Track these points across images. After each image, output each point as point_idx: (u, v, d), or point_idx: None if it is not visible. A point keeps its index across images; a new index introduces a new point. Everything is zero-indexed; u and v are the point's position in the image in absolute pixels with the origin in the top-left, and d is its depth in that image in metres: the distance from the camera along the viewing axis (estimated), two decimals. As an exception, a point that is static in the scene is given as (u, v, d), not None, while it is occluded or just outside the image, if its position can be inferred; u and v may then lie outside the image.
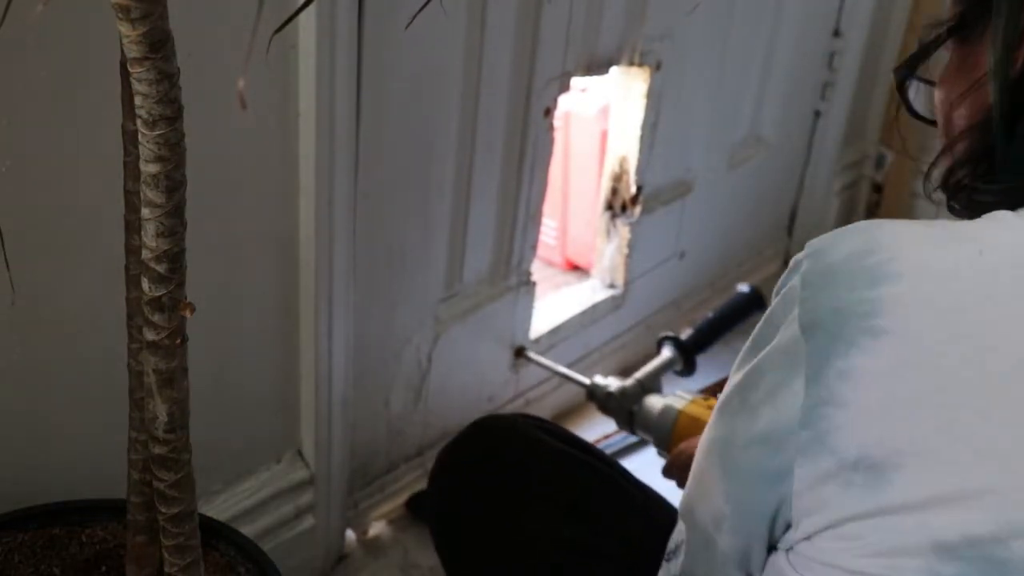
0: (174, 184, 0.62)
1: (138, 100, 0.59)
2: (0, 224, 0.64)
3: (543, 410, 1.71)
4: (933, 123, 0.74)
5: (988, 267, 0.59)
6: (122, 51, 0.60)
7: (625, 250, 1.74)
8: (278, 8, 0.81)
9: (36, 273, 0.90)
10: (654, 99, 1.62)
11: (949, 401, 0.57)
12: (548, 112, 1.41)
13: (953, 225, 0.62)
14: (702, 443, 0.72)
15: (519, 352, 1.59)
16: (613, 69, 1.54)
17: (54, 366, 0.97)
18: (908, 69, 0.74)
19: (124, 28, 0.56)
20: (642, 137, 1.64)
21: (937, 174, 0.70)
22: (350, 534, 1.42)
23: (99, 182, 0.86)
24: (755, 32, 1.81)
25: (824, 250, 0.63)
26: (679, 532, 0.77)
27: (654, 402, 1.33)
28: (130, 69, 0.58)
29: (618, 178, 1.71)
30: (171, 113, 0.60)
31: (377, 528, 1.46)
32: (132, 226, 0.71)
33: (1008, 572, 0.55)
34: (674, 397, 1.29)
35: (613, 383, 1.43)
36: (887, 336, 0.58)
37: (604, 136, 1.79)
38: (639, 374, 1.43)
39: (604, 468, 1.01)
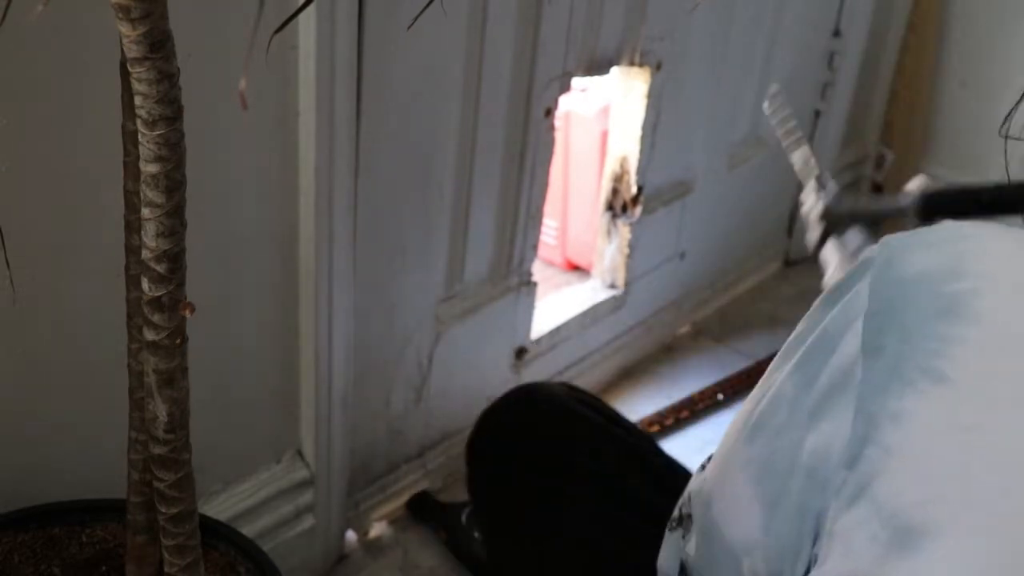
0: (174, 184, 0.62)
1: (138, 100, 0.59)
2: (0, 224, 0.64)
3: (543, 410, 1.71)
4: None
5: None
6: (122, 51, 0.60)
7: (626, 250, 1.74)
8: (278, 8, 0.81)
9: (36, 273, 0.90)
10: (654, 99, 1.62)
11: (1001, 481, 0.48)
12: (549, 112, 1.41)
13: None
14: (733, 456, 0.65)
15: (519, 353, 1.59)
16: (613, 69, 1.54)
17: (54, 366, 0.97)
18: None
19: (124, 28, 0.56)
20: (642, 137, 1.64)
21: None
22: (350, 534, 1.42)
23: (99, 182, 0.86)
24: (755, 32, 1.81)
25: (900, 257, 0.54)
26: (690, 508, 0.71)
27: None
28: (130, 69, 0.58)
29: (619, 178, 1.71)
30: (171, 113, 0.60)
31: (377, 528, 1.46)
32: (132, 226, 0.71)
33: None
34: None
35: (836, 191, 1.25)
36: (949, 385, 0.50)
37: (604, 136, 1.79)
38: (869, 204, 1.29)
39: (642, 445, 1.01)
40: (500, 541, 1.03)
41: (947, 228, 0.55)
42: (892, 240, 0.56)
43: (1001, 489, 0.48)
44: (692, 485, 0.72)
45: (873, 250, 0.56)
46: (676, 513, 0.75)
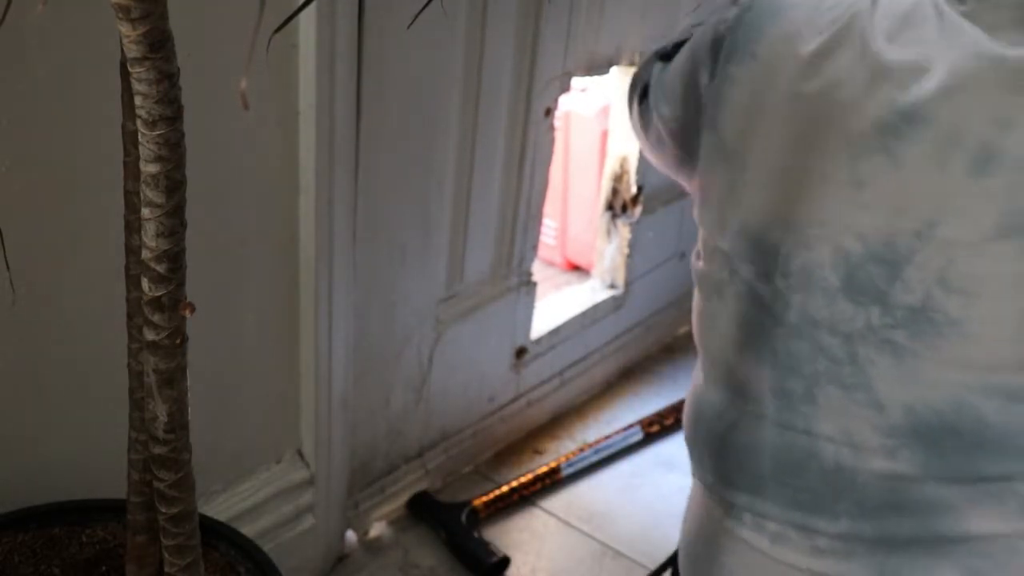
0: (174, 184, 0.62)
1: (138, 100, 0.59)
2: (0, 224, 0.64)
3: (543, 410, 1.71)
4: None
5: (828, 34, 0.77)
6: (122, 51, 0.60)
7: (625, 250, 1.74)
8: (278, 8, 0.81)
9: (36, 273, 0.90)
10: (654, 99, 1.62)
11: (758, 124, 0.79)
12: (549, 112, 1.41)
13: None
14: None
15: (519, 352, 1.59)
16: (613, 69, 1.54)
17: (54, 366, 0.97)
18: None
19: (124, 28, 0.56)
20: (642, 137, 1.64)
21: None
22: (350, 534, 1.42)
23: (99, 182, 0.86)
24: (755, 32, 1.81)
25: None
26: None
27: None
28: (130, 69, 0.58)
29: (618, 178, 1.71)
30: (171, 113, 0.60)
31: (377, 528, 1.46)
32: (132, 226, 0.71)
33: (772, 257, 0.81)
34: None
35: None
36: (757, 61, 0.80)
37: (604, 136, 1.79)
38: None
39: None
40: None
41: None
42: None
43: (772, 128, 0.79)
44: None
45: None
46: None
